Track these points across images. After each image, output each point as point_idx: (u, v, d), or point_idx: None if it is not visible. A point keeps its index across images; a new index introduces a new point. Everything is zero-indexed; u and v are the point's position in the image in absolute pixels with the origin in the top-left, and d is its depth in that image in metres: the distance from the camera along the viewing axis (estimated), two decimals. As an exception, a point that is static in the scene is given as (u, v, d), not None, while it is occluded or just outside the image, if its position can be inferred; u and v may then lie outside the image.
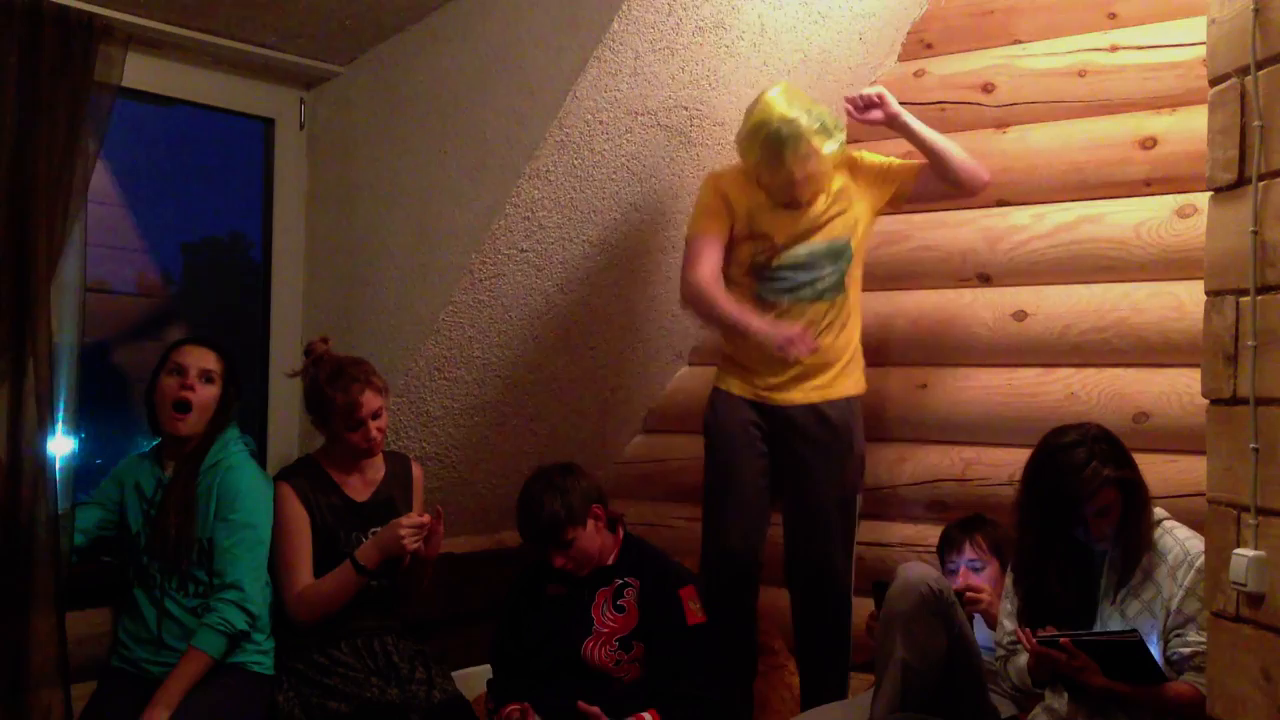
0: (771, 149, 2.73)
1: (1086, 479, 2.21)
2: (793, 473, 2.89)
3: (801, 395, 2.87)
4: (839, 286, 2.88)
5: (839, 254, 2.87)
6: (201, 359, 2.53)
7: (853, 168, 2.93)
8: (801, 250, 2.85)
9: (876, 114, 2.85)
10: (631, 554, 2.70)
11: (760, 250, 2.86)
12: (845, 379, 2.90)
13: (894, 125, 2.87)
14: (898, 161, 2.97)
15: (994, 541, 2.66)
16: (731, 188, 2.88)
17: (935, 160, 2.87)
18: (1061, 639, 2.17)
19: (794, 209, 2.85)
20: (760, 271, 2.87)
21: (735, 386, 2.92)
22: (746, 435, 2.89)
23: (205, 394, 2.52)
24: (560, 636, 2.63)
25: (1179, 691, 2.13)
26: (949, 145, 2.87)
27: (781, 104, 2.72)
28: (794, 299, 2.85)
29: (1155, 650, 2.17)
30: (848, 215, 2.88)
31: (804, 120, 2.71)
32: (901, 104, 2.86)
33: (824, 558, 2.86)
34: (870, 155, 2.98)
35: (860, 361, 2.97)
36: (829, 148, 2.76)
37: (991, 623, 2.55)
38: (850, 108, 2.88)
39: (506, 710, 2.55)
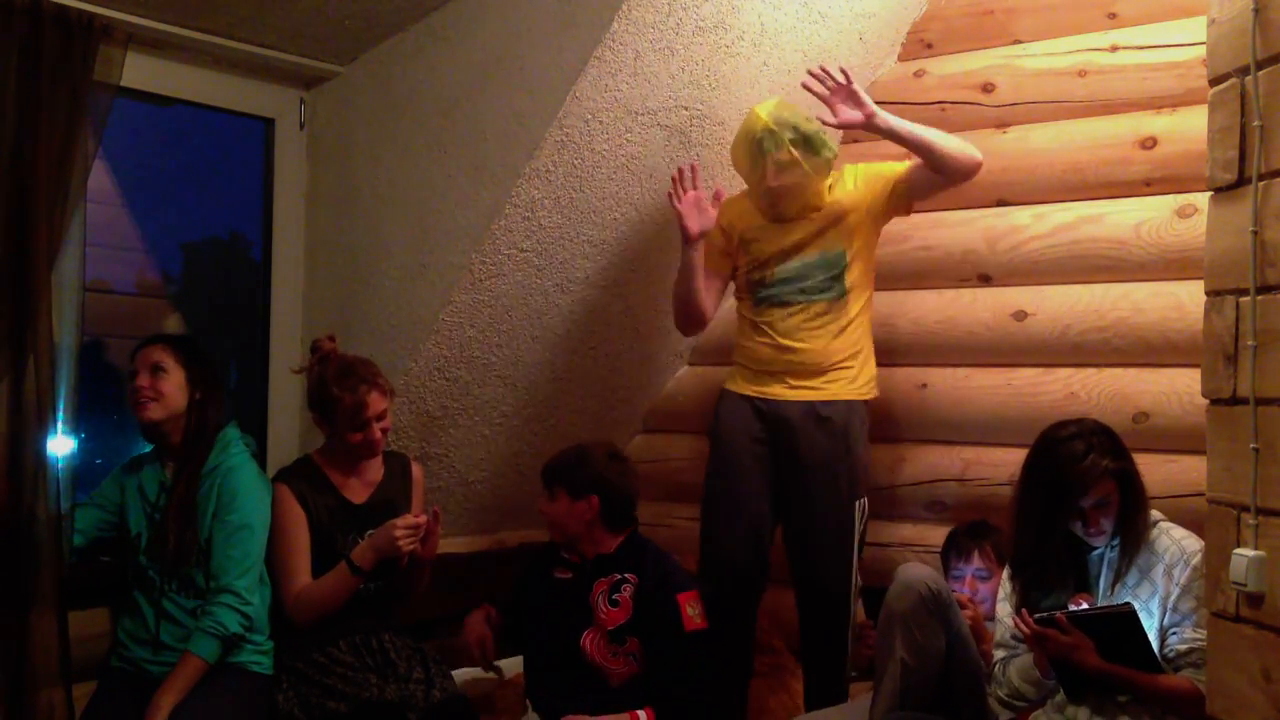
0: (752, 156, 2.80)
1: (1085, 470, 2.22)
2: (790, 473, 2.90)
3: (795, 394, 2.89)
4: (833, 289, 2.88)
5: (832, 264, 2.88)
6: (149, 355, 2.52)
7: (848, 179, 2.93)
8: (793, 264, 2.89)
9: (855, 115, 2.79)
10: (634, 550, 2.69)
11: (753, 266, 2.92)
12: (840, 382, 2.88)
13: (872, 126, 2.80)
14: (890, 165, 2.94)
15: (1000, 551, 2.66)
16: (731, 210, 2.98)
17: (924, 153, 2.80)
18: (1058, 615, 2.19)
19: (782, 223, 2.88)
20: (755, 288, 2.93)
21: (738, 385, 2.99)
22: (748, 443, 2.92)
23: (158, 383, 2.49)
24: (562, 624, 2.64)
25: (1177, 685, 2.13)
26: (934, 135, 2.79)
27: (765, 112, 2.76)
28: (788, 309, 2.89)
29: (1152, 645, 2.17)
30: (843, 226, 2.88)
31: (786, 132, 2.75)
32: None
33: (819, 562, 2.86)
34: (864, 166, 2.97)
35: (867, 369, 2.94)
36: (813, 162, 2.77)
37: (981, 634, 2.53)
38: (814, 81, 2.79)
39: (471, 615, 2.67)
